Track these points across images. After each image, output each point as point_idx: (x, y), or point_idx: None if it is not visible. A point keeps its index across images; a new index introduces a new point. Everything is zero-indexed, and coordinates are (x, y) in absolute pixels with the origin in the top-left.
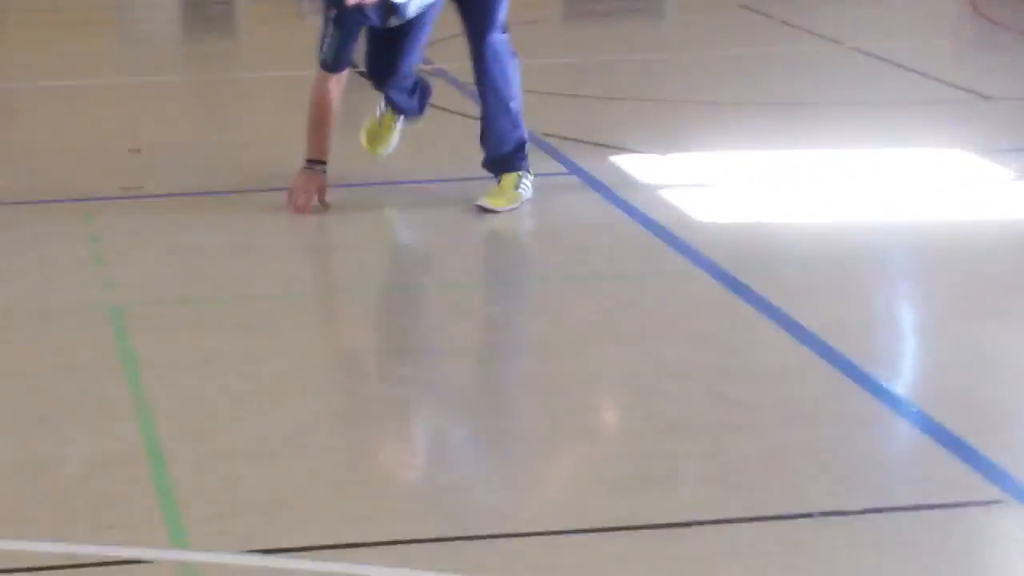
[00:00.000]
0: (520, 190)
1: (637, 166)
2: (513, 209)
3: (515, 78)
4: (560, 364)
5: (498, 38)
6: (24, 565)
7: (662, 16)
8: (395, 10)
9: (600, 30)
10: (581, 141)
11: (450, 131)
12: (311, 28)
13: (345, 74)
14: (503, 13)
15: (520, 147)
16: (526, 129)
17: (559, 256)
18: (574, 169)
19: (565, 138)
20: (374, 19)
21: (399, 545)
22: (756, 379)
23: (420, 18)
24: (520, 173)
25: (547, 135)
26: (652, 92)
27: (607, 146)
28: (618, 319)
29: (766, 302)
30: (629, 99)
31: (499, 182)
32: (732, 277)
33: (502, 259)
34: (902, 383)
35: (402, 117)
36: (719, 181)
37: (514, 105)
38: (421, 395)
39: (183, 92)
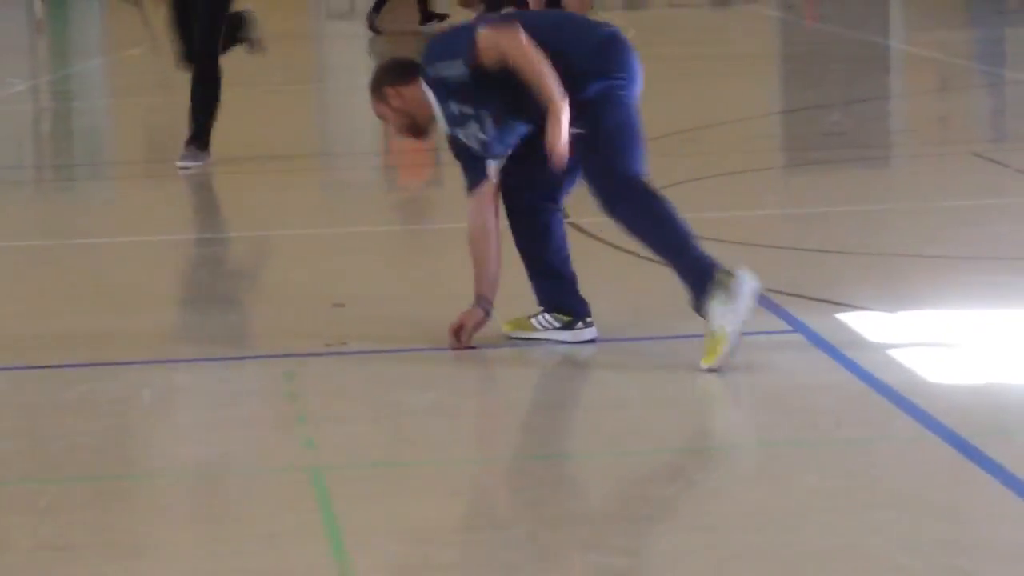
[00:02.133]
0: (714, 327)
1: (865, 324)
2: (723, 358)
3: (652, 217)
4: (782, 536)
5: (608, 183)
6: None
7: (887, 164)
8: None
9: (822, 179)
10: (804, 297)
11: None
12: None
13: (488, 194)
14: (617, 155)
15: (697, 282)
16: (700, 260)
17: (780, 419)
18: (797, 326)
19: (787, 294)
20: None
21: None
22: (994, 554)
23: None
24: (708, 320)
25: (768, 290)
26: (879, 244)
27: (832, 302)
28: (844, 487)
29: (1005, 471)
30: (855, 252)
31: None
32: (967, 443)
33: (718, 422)
34: None
35: (545, 324)
36: (953, 340)
37: (658, 248)
38: (633, 567)
39: (388, 243)
